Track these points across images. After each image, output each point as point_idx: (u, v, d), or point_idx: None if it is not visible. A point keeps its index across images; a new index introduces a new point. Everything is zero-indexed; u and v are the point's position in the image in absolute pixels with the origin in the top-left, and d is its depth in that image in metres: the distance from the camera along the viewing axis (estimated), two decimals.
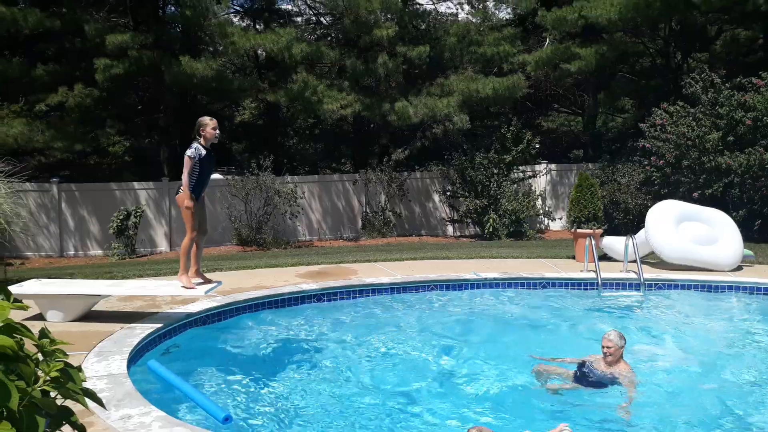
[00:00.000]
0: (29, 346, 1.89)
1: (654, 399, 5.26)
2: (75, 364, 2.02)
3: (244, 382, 5.51)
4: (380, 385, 5.61)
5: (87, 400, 1.96)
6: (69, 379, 1.94)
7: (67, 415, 1.95)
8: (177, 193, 6.61)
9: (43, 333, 2.00)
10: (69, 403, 1.93)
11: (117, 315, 6.59)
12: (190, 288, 6.50)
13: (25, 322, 1.87)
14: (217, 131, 6.61)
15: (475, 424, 4.47)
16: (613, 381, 5.32)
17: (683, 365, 6.17)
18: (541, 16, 17.99)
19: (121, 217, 14.36)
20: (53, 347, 1.97)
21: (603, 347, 5.39)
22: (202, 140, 6.55)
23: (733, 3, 16.11)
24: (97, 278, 8.52)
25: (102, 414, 3.88)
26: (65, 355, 1.97)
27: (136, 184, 16.42)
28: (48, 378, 1.88)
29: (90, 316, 6.45)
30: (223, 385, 5.41)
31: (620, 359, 5.40)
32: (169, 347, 6.19)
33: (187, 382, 4.99)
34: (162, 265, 11.17)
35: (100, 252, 15.46)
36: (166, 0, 19.23)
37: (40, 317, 6.26)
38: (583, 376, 5.43)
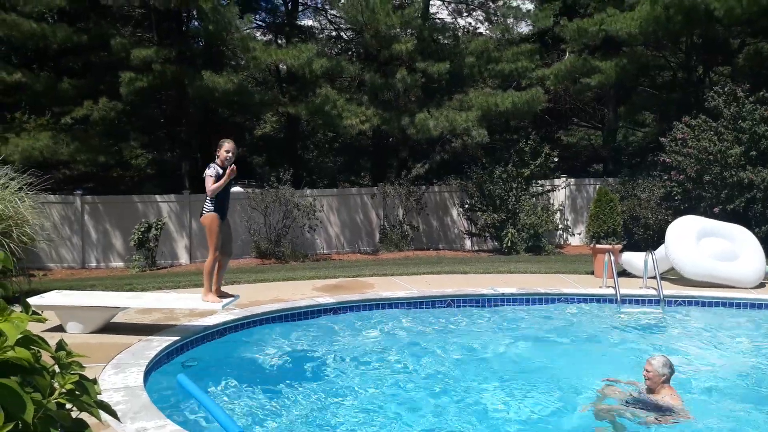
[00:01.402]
0: (46, 358, 1.93)
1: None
2: (93, 376, 2.05)
3: (260, 395, 5.53)
4: (396, 399, 5.60)
5: (102, 412, 2.00)
6: (84, 391, 1.98)
7: (81, 427, 1.98)
8: (201, 215, 6.71)
9: (60, 345, 2.04)
10: (85, 415, 1.96)
11: (135, 327, 6.66)
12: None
13: (46, 334, 1.92)
14: (230, 154, 6.73)
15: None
16: (656, 408, 5.06)
17: (704, 383, 6.07)
18: (561, 27, 17.96)
19: (143, 229, 14.53)
20: (70, 359, 2.01)
21: (644, 371, 5.20)
22: (218, 160, 6.69)
23: (756, 16, 15.96)
24: (117, 290, 8.64)
25: (118, 427, 3.92)
26: (81, 367, 2.00)
27: (158, 197, 16.62)
28: (63, 390, 1.92)
29: (109, 327, 6.53)
30: (239, 398, 5.44)
31: (663, 386, 5.14)
32: (186, 360, 6.24)
33: (207, 395, 5.01)
34: (181, 277, 11.27)
35: (121, 264, 15.65)
36: (190, 15, 19.55)
37: (60, 329, 6.35)
38: (635, 400, 5.23)
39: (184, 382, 4.90)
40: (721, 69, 20.81)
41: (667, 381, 5.15)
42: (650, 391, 5.17)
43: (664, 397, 5.13)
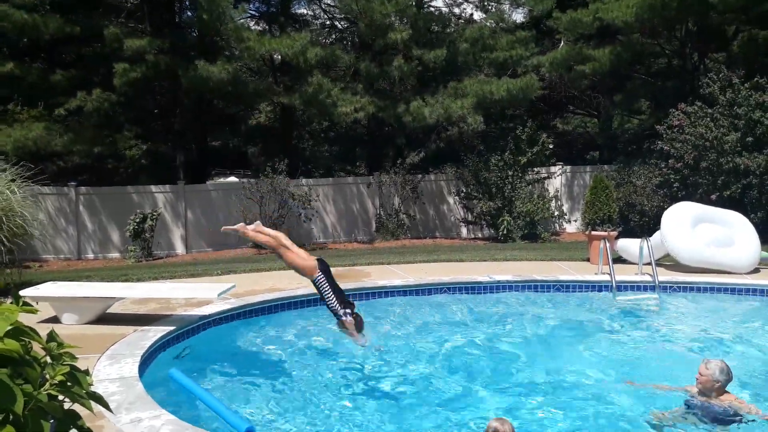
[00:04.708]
0: (38, 349, 1.91)
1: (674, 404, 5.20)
2: (87, 367, 2.04)
3: (258, 384, 5.54)
4: (392, 386, 5.61)
5: (94, 404, 1.99)
6: (76, 382, 1.97)
7: (73, 419, 1.98)
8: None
9: (51, 336, 2.03)
10: (78, 407, 1.95)
11: (131, 318, 6.65)
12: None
13: (41, 325, 1.91)
14: None
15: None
16: (718, 415, 4.71)
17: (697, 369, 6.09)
18: (555, 18, 17.87)
19: (138, 220, 14.49)
20: (61, 350, 2.00)
21: (697, 374, 4.84)
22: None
23: (751, 3, 15.91)
24: (112, 281, 8.62)
25: (112, 417, 3.92)
26: (74, 358, 1.99)
27: (153, 188, 16.57)
28: (55, 381, 1.91)
29: (105, 318, 6.52)
30: (237, 388, 5.44)
31: (720, 391, 4.76)
32: (183, 350, 6.23)
33: (206, 389, 4.99)
34: (177, 267, 11.26)
35: (117, 255, 15.62)
36: (183, 5, 19.40)
37: (55, 320, 6.34)
38: (691, 408, 4.87)
39: (177, 376, 4.87)
40: (716, 56, 20.73)
41: (722, 388, 4.78)
42: (701, 394, 4.83)
43: (732, 403, 4.74)
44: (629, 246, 10.18)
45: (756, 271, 9.64)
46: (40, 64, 17.47)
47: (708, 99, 14.49)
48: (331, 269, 6.16)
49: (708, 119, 13.99)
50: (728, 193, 13.45)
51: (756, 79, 13.84)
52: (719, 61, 16.88)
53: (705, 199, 12.93)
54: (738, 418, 4.64)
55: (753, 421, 4.60)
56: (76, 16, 16.62)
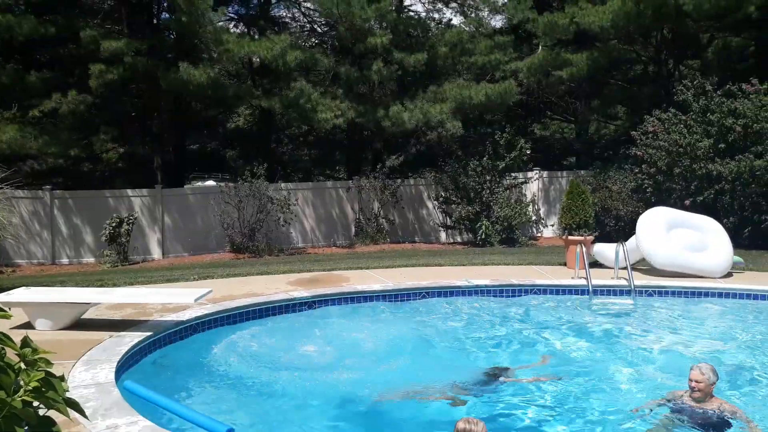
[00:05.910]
0: (11, 355, 1.89)
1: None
2: (62, 373, 2.02)
3: (235, 390, 5.50)
4: (372, 391, 5.61)
5: (70, 410, 1.97)
6: (51, 388, 1.95)
7: (48, 425, 1.95)
8: None
9: (25, 342, 2.01)
10: (54, 414, 1.93)
11: (107, 323, 6.57)
12: None
13: (14, 331, 1.88)
14: None
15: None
16: (712, 419, 4.64)
17: (675, 372, 6.19)
18: (532, 21, 18.06)
19: (114, 224, 14.32)
20: (36, 356, 1.97)
21: (691, 381, 4.74)
22: None
23: (725, 11, 16.22)
24: (87, 286, 8.50)
25: (88, 424, 3.87)
26: (49, 364, 1.97)
27: (129, 191, 16.39)
28: (29, 388, 1.89)
29: (80, 324, 6.43)
30: (213, 395, 5.40)
31: (712, 396, 4.76)
32: (159, 356, 6.18)
33: (175, 397, 4.91)
34: (154, 272, 11.15)
35: (93, 260, 15.41)
36: (161, 7, 19.25)
37: (29, 326, 6.24)
38: (682, 414, 4.75)
39: (134, 388, 4.71)
40: (691, 63, 21.11)
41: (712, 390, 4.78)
42: (694, 400, 4.76)
43: (722, 406, 4.73)
44: (605, 250, 10.31)
45: (729, 275, 9.81)
46: (13, 65, 17.18)
47: (682, 106, 14.74)
48: (311, 274, 6.16)
49: (682, 126, 14.23)
50: (701, 198, 13.67)
51: (728, 86, 14.11)
52: (694, 68, 17.18)
53: (679, 205, 13.13)
54: (730, 421, 4.65)
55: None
56: (51, 17, 16.40)
